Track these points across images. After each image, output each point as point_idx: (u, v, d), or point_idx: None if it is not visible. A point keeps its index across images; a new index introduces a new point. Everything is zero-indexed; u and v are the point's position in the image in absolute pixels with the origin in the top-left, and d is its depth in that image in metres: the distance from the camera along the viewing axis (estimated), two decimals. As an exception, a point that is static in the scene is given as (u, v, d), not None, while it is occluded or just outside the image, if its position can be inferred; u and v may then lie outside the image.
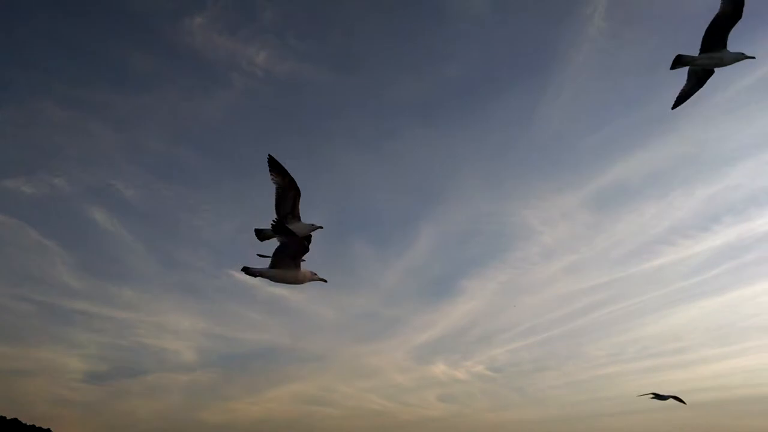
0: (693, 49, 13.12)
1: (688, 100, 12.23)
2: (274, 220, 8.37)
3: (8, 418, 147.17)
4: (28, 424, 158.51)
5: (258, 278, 10.75)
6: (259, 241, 10.47)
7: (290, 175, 8.94)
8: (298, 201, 9.88)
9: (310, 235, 9.81)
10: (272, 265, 10.63)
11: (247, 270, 10.41)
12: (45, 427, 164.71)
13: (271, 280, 10.49)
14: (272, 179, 9.71)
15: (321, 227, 9.16)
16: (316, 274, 8.88)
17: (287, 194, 9.46)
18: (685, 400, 21.61)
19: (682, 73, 13.10)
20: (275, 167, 9.33)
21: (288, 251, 9.64)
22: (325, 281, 8.71)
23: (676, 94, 13.48)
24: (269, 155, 9.34)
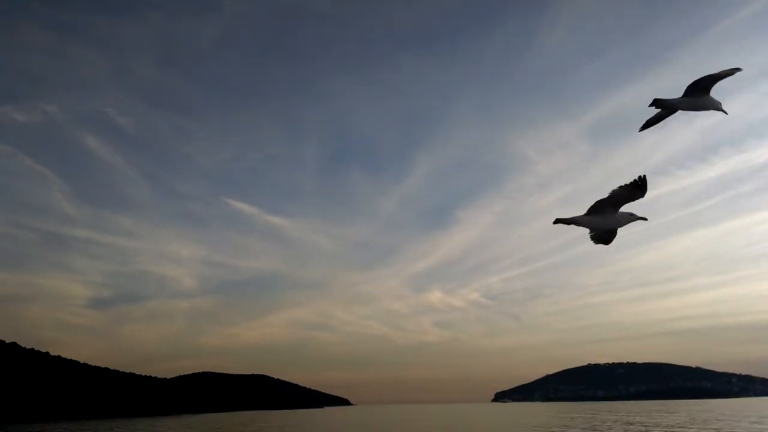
0: None
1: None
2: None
3: (7, 342, 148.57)
4: (27, 347, 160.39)
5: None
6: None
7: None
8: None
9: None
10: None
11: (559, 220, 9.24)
12: (44, 351, 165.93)
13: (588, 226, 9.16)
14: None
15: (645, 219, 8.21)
16: (634, 214, 8.70)
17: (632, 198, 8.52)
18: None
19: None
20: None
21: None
22: (646, 219, 8.62)
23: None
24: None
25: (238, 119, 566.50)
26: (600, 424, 64.07)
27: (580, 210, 10.57)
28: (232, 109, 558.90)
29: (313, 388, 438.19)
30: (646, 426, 56.34)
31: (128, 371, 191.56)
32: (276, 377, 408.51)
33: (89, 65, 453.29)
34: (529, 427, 61.67)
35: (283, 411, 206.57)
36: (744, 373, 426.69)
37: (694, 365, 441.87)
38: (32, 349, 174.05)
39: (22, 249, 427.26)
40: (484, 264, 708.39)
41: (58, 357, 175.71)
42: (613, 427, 56.85)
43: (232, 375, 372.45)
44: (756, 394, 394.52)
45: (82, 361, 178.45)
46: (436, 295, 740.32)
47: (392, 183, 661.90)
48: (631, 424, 62.12)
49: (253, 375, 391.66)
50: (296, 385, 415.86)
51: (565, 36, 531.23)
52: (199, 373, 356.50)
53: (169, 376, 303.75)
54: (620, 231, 9.83)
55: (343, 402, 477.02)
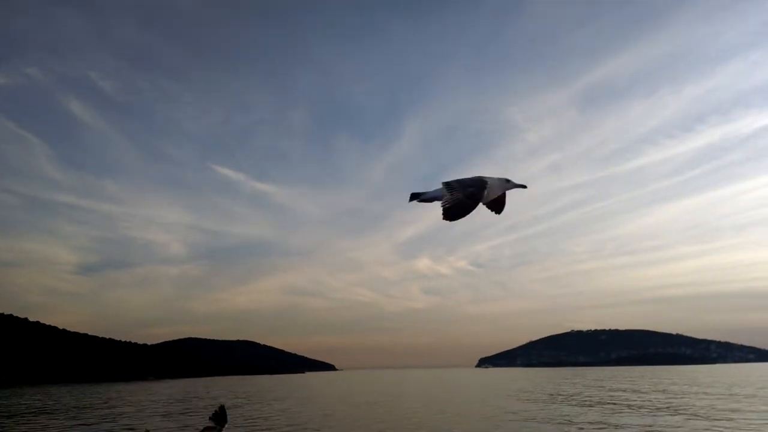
0: None
1: None
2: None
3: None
4: (5, 313, 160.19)
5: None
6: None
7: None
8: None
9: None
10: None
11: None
12: (23, 317, 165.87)
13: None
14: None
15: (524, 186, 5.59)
16: (510, 181, 5.30)
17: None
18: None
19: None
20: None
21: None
22: (525, 187, 5.63)
23: None
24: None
25: (225, 83, 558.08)
26: (563, 385, 64.67)
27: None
28: (218, 73, 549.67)
29: (299, 353, 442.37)
30: (596, 388, 56.91)
31: (112, 337, 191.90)
32: (262, 343, 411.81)
33: (70, 27, 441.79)
34: (490, 388, 62.25)
35: (263, 376, 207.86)
36: (723, 340, 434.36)
37: (674, 332, 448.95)
38: (10, 315, 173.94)
39: (7, 213, 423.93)
40: (472, 231, 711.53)
41: (37, 323, 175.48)
42: (574, 387, 57.36)
43: (217, 341, 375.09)
44: (734, 361, 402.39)
45: (61, 327, 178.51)
46: (424, 262, 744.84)
47: (381, 150, 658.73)
48: (589, 386, 62.75)
49: (238, 341, 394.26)
50: (281, 351, 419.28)
51: (555, 2, 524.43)
52: (184, 338, 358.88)
53: (155, 342, 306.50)
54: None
55: (328, 367, 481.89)
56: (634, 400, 40.51)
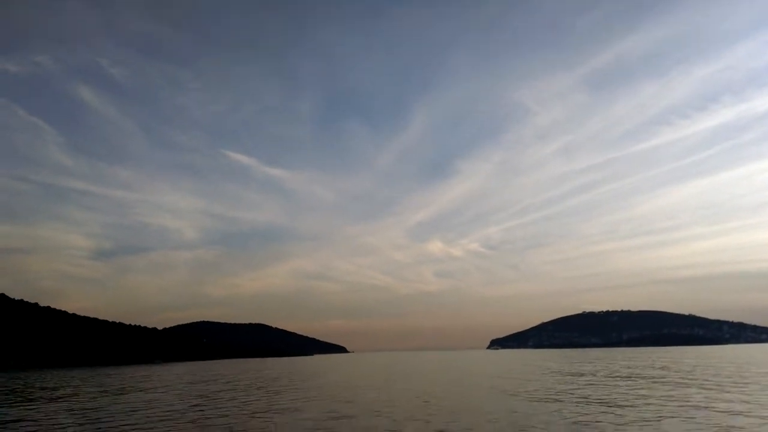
0: None
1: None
2: None
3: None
4: (16, 298, 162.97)
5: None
6: None
7: None
8: None
9: None
10: None
11: None
12: (33, 302, 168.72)
13: None
14: None
15: None
16: None
17: None
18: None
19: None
20: None
21: None
22: None
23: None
24: None
25: (233, 71, 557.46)
26: (567, 363, 64.60)
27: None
28: (225, 61, 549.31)
29: (310, 336, 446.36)
30: (592, 364, 56.79)
31: (124, 322, 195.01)
32: (274, 326, 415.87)
33: (80, 16, 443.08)
34: (488, 367, 62.30)
35: (271, 359, 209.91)
36: (736, 320, 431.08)
37: (687, 313, 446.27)
38: (21, 300, 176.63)
39: (20, 200, 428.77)
40: (484, 214, 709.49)
41: (48, 308, 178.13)
42: (571, 364, 57.28)
43: (229, 324, 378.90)
44: (746, 341, 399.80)
45: (71, 312, 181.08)
46: (436, 245, 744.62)
47: (390, 135, 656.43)
48: (588, 362, 62.53)
49: (250, 324, 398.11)
50: (293, 334, 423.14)
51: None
52: (197, 322, 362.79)
53: (170, 326, 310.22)
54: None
55: (340, 349, 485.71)
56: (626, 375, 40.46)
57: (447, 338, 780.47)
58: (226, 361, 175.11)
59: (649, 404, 24.06)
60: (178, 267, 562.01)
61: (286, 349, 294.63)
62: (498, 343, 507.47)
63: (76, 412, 27.35)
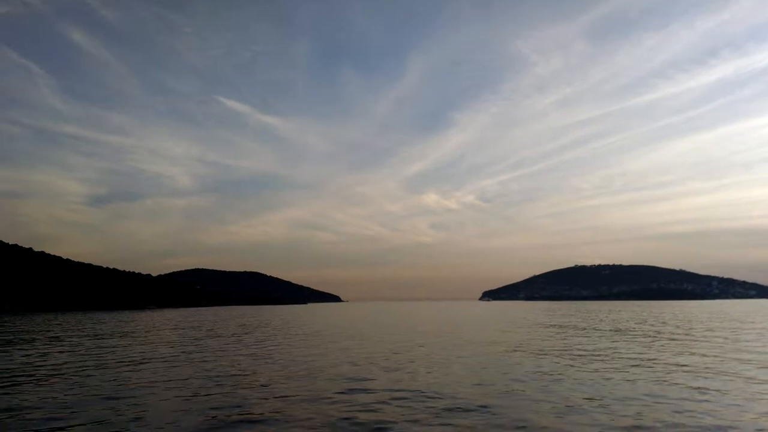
0: None
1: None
2: None
3: None
4: (10, 243, 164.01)
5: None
6: None
7: None
8: None
9: None
10: None
11: None
12: (27, 247, 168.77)
13: None
14: None
15: None
16: None
17: None
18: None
19: None
20: None
21: None
22: None
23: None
24: None
25: (226, 14, 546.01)
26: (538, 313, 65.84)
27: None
28: (220, 4, 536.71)
29: (305, 285, 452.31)
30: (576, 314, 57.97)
31: (123, 268, 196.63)
32: (269, 274, 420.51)
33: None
34: (469, 318, 63.41)
35: (266, 306, 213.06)
36: (726, 276, 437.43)
37: (678, 268, 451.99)
38: (16, 245, 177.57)
39: (13, 144, 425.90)
40: (480, 166, 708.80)
41: (42, 253, 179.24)
42: (551, 315, 58.37)
43: (224, 272, 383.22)
44: (734, 297, 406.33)
45: (65, 257, 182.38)
46: (431, 197, 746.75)
47: (386, 83, 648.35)
48: (570, 314, 63.80)
49: (245, 272, 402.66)
50: (288, 282, 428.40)
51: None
52: (191, 269, 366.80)
53: (165, 272, 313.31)
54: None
55: (334, 299, 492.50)
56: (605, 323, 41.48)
57: (440, 289, 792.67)
58: (221, 308, 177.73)
59: (608, 356, 24.78)
60: (173, 214, 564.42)
61: (280, 298, 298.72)
62: (489, 295, 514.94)
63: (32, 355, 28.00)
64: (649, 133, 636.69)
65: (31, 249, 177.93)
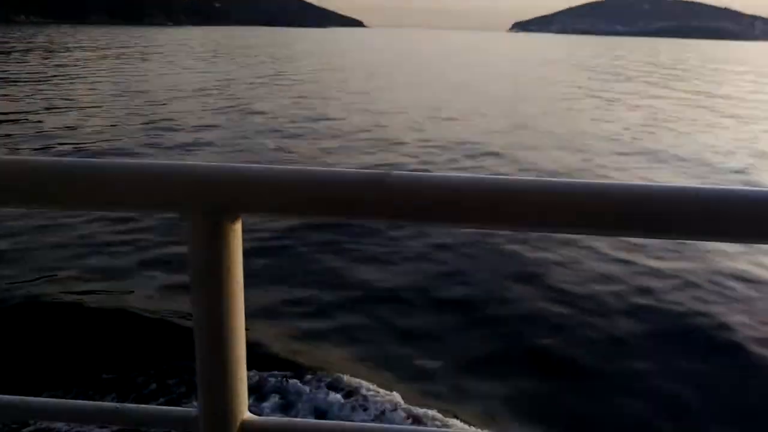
0: None
1: None
2: None
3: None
4: None
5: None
6: None
7: None
8: None
9: None
10: None
11: None
12: None
13: None
14: None
15: None
16: None
17: None
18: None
19: None
20: None
21: None
22: None
23: None
24: None
25: None
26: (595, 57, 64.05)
27: None
28: None
29: (323, 6, 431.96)
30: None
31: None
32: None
33: None
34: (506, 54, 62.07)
35: (285, 29, 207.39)
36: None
37: (723, 6, 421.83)
38: None
39: None
40: None
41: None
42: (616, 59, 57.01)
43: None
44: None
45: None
46: None
47: None
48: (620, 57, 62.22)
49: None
50: (307, 3, 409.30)
51: None
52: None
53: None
54: None
55: (357, 24, 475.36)
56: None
57: (470, 18, 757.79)
58: (241, 28, 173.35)
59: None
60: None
61: (298, 20, 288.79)
62: (520, 27, 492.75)
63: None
64: None
65: None
